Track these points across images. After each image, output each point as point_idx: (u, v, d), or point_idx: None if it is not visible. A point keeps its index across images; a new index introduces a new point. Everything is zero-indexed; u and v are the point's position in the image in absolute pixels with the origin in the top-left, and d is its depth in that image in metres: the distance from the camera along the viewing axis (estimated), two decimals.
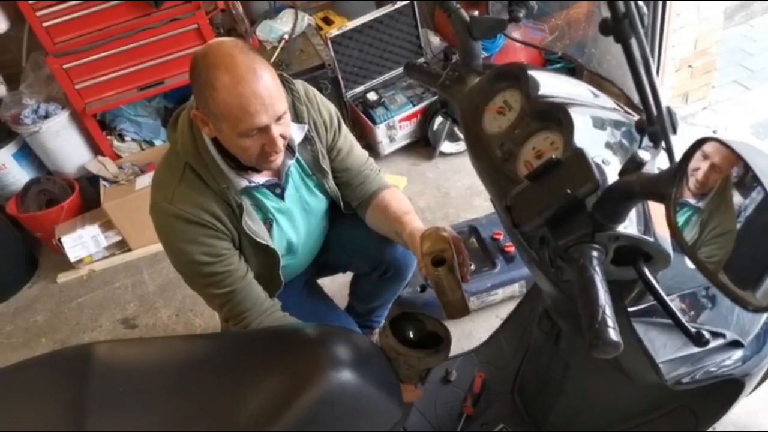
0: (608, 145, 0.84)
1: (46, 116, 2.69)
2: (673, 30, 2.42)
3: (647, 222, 0.76)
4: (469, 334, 2.02)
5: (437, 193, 2.72)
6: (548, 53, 2.95)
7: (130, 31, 2.57)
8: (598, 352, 0.65)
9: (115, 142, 2.85)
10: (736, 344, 0.99)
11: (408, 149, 2.98)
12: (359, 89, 2.93)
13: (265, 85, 1.12)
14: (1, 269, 2.69)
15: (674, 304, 0.76)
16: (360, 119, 2.89)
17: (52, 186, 2.81)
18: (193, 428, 0.96)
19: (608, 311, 0.66)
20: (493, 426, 1.54)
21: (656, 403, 1.19)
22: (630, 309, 0.89)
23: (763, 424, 1.57)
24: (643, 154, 0.71)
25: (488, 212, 2.33)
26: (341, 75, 2.84)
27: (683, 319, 0.75)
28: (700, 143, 0.65)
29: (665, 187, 0.66)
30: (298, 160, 1.39)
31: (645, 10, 0.71)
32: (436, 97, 2.75)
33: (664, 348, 0.93)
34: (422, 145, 2.95)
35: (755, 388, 1.14)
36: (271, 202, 1.37)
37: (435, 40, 3.03)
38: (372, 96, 2.86)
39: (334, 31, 2.74)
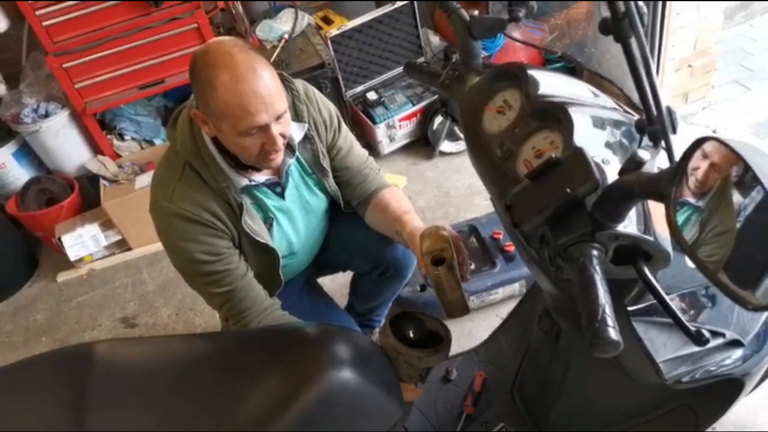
0: (608, 145, 0.84)
1: (46, 115, 2.69)
2: (673, 30, 2.42)
3: (647, 221, 0.76)
4: (469, 333, 2.02)
5: (437, 192, 2.72)
6: (548, 53, 2.95)
7: (130, 31, 2.57)
8: (598, 351, 0.65)
9: (115, 141, 2.84)
10: (736, 343, 0.99)
11: (408, 148, 2.98)
12: (359, 89, 2.93)
13: (265, 84, 1.12)
14: (1, 268, 2.69)
15: (674, 303, 0.76)
16: (360, 119, 2.89)
17: (52, 185, 2.81)
18: (193, 427, 0.96)
19: (608, 310, 0.66)
20: (493, 425, 1.54)
21: (656, 403, 1.19)
22: (630, 308, 0.89)
23: (763, 424, 1.57)
24: (643, 154, 0.71)
25: (488, 211, 2.33)
26: (341, 74, 2.84)
27: (683, 319, 0.75)
28: (699, 142, 0.65)
29: (665, 187, 0.66)
30: (298, 159, 1.39)
31: (645, 9, 0.71)
32: (435, 97, 2.75)
33: (664, 347, 0.93)
34: (422, 144, 2.95)
35: (755, 387, 1.14)
36: (271, 201, 1.37)
37: (435, 39, 3.03)
38: (372, 95, 2.86)
39: (333, 31, 2.74)
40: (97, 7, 2.46)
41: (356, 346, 1.11)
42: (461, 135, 2.65)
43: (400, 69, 2.91)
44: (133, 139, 2.88)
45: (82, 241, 2.64)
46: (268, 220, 1.38)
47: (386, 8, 2.79)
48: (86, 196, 2.84)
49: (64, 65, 2.54)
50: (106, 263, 2.74)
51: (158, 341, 1.28)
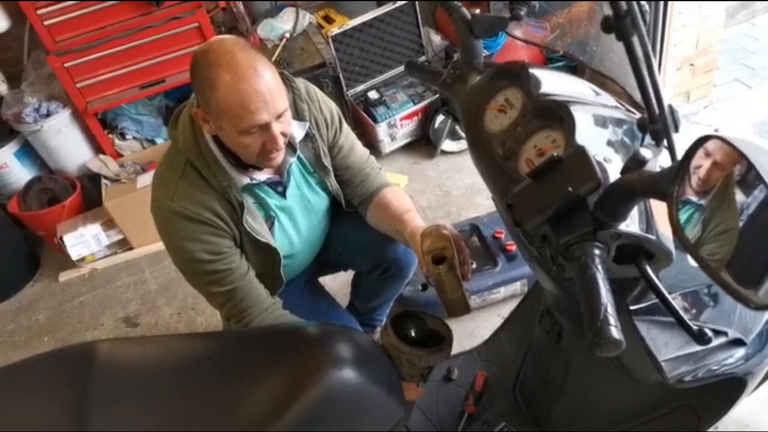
0: (610, 144, 0.84)
1: (48, 115, 2.70)
2: (675, 28, 2.42)
3: (649, 220, 0.75)
4: (470, 332, 2.02)
5: (438, 191, 2.72)
6: (550, 51, 2.94)
7: (131, 30, 2.57)
8: (600, 350, 0.65)
9: (117, 141, 2.85)
10: (738, 342, 0.99)
11: (409, 148, 2.97)
12: (360, 88, 2.93)
13: (266, 83, 1.12)
14: (2, 268, 2.70)
15: (676, 302, 0.76)
16: (361, 118, 2.89)
17: (54, 184, 2.81)
18: (194, 427, 0.96)
19: (610, 309, 0.66)
20: (494, 424, 1.54)
21: (658, 402, 1.19)
22: (632, 307, 0.89)
23: (766, 423, 1.57)
24: (645, 152, 0.70)
25: (490, 211, 2.33)
26: (342, 73, 2.83)
27: (685, 318, 0.75)
28: (702, 141, 0.65)
29: (667, 185, 0.66)
30: (299, 158, 1.39)
31: (647, 8, 0.71)
32: (437, 96, 2.75)
33: (666, 346, 0.92)
34: (423, 143, 2.95)
35: (757, 386, 1.14)
36: (272, 200, 1.37)
37: (436, 38, 3.03)
38: (373, 94, 2.85)
39: (335, 30, 2.73)
40: (98, 7, 2.47)
41: (357, 346, 1.11)
42: (462, 134, 2.65)
43: (401, 68, 2.90)
44: (134, 138, 2.88)
45: (83, 241, 2.64)
46: (270, 219, 1.38)
47: (387, 7, 2.79)
48: (88, 195, 2.84)
49: (65, 64, 2.55)
50: (107, 263, 2.74)
51: (160, 341, 1.28)
